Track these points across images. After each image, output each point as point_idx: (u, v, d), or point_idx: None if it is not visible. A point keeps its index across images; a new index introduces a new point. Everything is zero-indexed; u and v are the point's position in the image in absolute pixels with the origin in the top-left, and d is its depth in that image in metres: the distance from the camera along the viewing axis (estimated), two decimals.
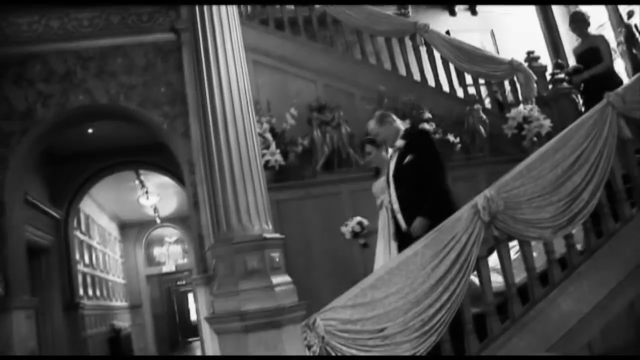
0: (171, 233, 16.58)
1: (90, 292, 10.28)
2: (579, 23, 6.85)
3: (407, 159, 4.57)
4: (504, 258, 4.25)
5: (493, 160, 6.55)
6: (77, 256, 9.54)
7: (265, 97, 6.14)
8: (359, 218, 5.46)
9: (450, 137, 6.43)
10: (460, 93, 7.26)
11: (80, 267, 9.71)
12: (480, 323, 4.24)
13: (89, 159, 9.09)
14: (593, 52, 6.63)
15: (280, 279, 3.08)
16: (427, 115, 6.41)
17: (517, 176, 4.26)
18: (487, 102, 7.68)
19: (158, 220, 14.97)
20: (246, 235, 3.05)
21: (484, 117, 6.69)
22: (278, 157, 5.65)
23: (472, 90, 7.33)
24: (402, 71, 7.22)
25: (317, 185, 5.98)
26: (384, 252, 5.10)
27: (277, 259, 3.10)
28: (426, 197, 4.46)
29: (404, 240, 4.56)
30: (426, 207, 4.42)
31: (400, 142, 4.70)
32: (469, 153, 6.67)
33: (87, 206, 10.93)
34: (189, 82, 6.02)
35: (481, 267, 4.14)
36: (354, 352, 3.54)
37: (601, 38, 6.81)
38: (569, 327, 4.23)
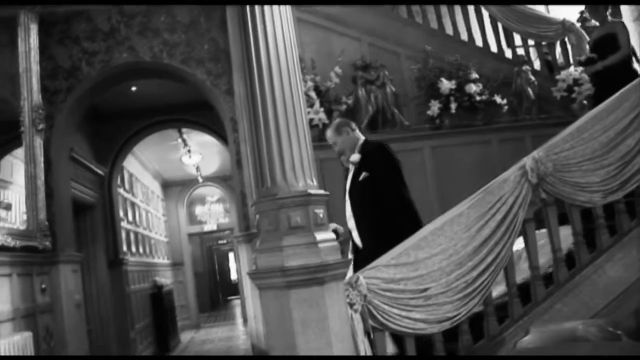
0: (213, 192, 16.72)
1: (133, 249, 10.45)
2: (597, 6, 6.28)
3: (362, 176, 4.30)
4: (551, 223, 4.17)
5: (540, 123, 6.40)
6: (121, 213, 9.68)
7: (309, 56, 6.08)
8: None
9: (497, 99, 6.29)
10: (508, 54, 7.08)
11: (124, 224, 9.86)
12: (524, 289, 4.19)
13: (132, 117, 9.16)
14: (610, 39, 6.04)
15: (324, 236, 3.06)
16: (474, 75, 6.28)
17: (567, 138, 4.15)
18: (536, 64, 7.47)
19: (200, 180, 15.06)
20: (290, 191, 3.02)
21: (533, 78, 6.52)
22: (322, 115, 5.60)
23: (520, 51, 7.15)
24: (449, 30, 7.07)
25: None
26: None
27: (321, 215, 3.08)
28: (378, 216, 4.27)
29: (358, 257, 4.31)
30: (374, 227, 4.26)
31: (355, 157, 4.40)
32: (516, 115, 6.53)
33: (131, 164, 11.05)
34: (233, 39, 5.98)
35: (527, 230, 4.07)
36: (396, 312, 3.53)
37: (621, 25, 6.17)
38: (616, 295, 4.15)
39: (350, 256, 4.47)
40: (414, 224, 4.12)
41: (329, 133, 4.58)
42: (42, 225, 5.65)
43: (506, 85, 6.51)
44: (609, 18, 6.24)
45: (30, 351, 4.69)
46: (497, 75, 6.55)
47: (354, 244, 4.50)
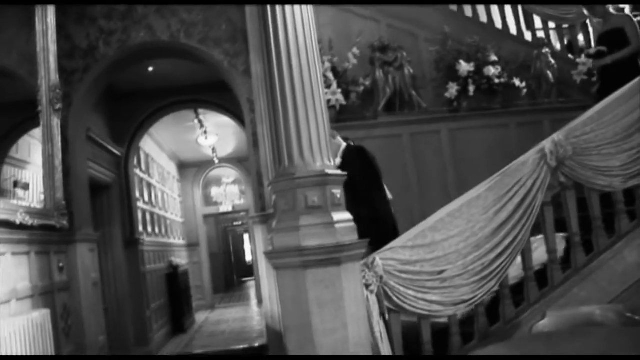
0: (229, 174, 16.74)
1: (149, 229, 10.51)
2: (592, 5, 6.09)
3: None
4: (569, 206, 4.14)
5: (559, 107, 6.33)
6: (137, 194, 9.72)
7: (327, 36, 6.03)
8: None
9: (516, 82, 6.24)
10: (528, 36, 7.00)
11: (140, 204, 9.91)
12: (541, 273, 4.17)
13: (149, 98, 9.16)
14: (617, 33, 5.85)
15: (341, 216, 3.04)
16: (493, 58, 6.22)
17: (588, 121, 4.11)
18: (557, 46, 7.38)
19: (216, 161, 15.07)
20: (308, 170, 3.01)
21: (553, 61, 6.45)
22: (339, 96, 5.58)
23: (540, 33, 7.07)
24: (468, 12, 6.99)
25: (377, 127, 5.91)
26: None
27: (338, 196, 3.06)
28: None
29: None
30: None
31: (337, 161, 4.21)
32: (535, 99, 6.47)
33: (147, 145, 11.08)
34: (250, 19, 5.93)
35: (545, 213, 4.04)
36: (412, 293, 3.52)
37: (627, 18, 5.97)
38: (634, 280, 4.12)
39: None
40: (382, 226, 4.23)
41: None
42: (59, 205, 5.68)
43: (525, 68, 6.45)
44: (612, 11, 6.07)
45: (48, 328, 4.73)
46: (516, 58, 6.49)
47: None
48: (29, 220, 4.90)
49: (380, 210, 4.42)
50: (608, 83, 5.49)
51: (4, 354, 3.87)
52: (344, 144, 4.55)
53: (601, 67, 5.98)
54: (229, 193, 17.11)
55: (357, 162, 4.35)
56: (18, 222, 4.74)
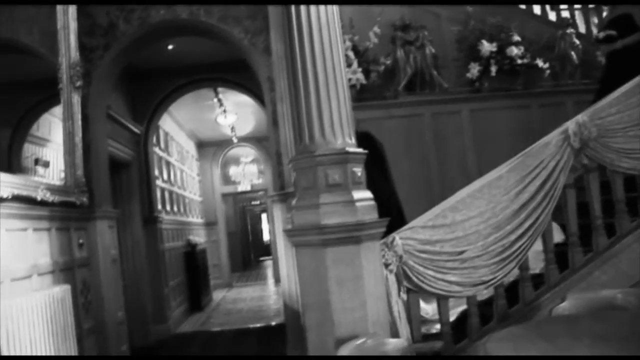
0: (247, 153, 16.75)
1: (168, 207, 10.55)
2: None
3: None
4: (592, 188, 4.09)
5: (583, 89, 6.22)
6: (156, 172, 9.75)
7: (347, 15, 5.96)
8: None
9: (539, 62, 6.15)
10: (552, 16, 6.89)
11: (159, 182, 9.94)
12: (561, 255, 4.14)
13: (169, 76, 9.15)
14: (625, 19, 5.70)
15: (362, 194, 3.03)
16: (516, 38, 6.13)
17: (614, 102, 4.04)
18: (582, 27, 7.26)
19: (235, 140, 15.07)
20: (329, 148, 2.99)
21: (577, 42, 6.35)
22: (360, 75, 5.54)
23: (565, 13, 6.95)
24: None
25: (398, 106, 5.86)
26: None
27: (359, 174, 3.04)
28: None
29: None
30: None
31: None
32: (558, 80, 6.38)
33: (166, 123, 11.09)
34: None
35: (567, 195, 4.00)
36: (431, 273, 3.51)
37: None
38: None
39: None
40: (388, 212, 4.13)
41: None
42: (79, 182, 5.71)
43: (549, 48, 6.36)
44: None
45: (68, 303, 4.77)
46: (540, 38, 6.40)
47: None
48: (49, 197, 4.93)
49: (385, 196, 4.35)
50: (616, 68, 5.36)
51: (26, 328, 3.91)
52: None
53: (610, 52, 5.82)
54: (247, 172, 17.12)
55: (362, 147, 4.23)
56: (39, 198, 4.77)
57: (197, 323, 10.23)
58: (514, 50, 6.05)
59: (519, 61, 6.06)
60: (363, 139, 4.25)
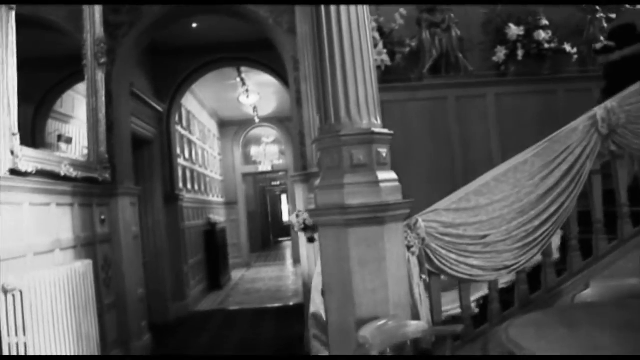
0: (269, 133, 16.74)
1: (189, 186, 10.60)
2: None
3: None
4: (619, 175, 4.04)
5: None
6: (178, 150, 9.78)
7: None
8: None
9: (567, 47, 6.03)
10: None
11: (181, 160, 9.98)
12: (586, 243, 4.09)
13: (192, 55, 9.15)
14: (628, 29, 5.53)
15: (386, 175, 3.01)
16: (544, 22, 6.02)
17: None
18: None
19: (257, 120, 15.08)
20: (354, 128, 2.97)
21: (606, 26, 6.22)
22: (385, 57, 5.48)
23: None
24: None
25: (422, 89, 5.80)
26: None
27: (384, 155, 3.02)
28: None
29: None
30: None
31: None
32: (586, 65, 6.27)
33: (189, 102, 11.11)
34: None
35: (593, 182, 3.95)
36: (453, 257, 3.49)
37: None
38: None
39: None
40: None
41: None
42: (102, 158, 5.75)
43: (577, 33, 6.23)
44: (627, 5, 5.76)
45: (90, 278, 4.82)
46: (568, 22, 6.27)
47: None
48: (72, 172, 4.97)
49: None
50: (615, 81, 5.15)
51: (49, 302, 3.96)
52: None
53: (608, 64, 5.68)
54: (269, 152, 17.14)
55: None
56: (62, 173, 4.81)
57: (216, 302, 10.31)
58: (542, 34, 5.94)
59: (547, 45, 5.95)
60: None
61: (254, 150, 17.07)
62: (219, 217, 12.97)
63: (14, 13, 4.06)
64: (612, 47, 5.65)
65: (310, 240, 5.22)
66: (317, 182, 3.16)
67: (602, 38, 5.99)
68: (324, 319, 4.76)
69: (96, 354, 4.75)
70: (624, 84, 4.15)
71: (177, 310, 8.68)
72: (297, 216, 5.42)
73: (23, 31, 4.14)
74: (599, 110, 3.85)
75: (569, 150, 3.77)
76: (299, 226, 5.34)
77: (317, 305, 4.94)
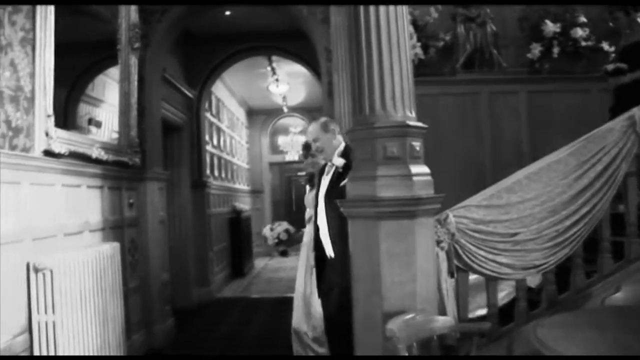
0: (296, 123, 16.71)
1: (216, 173, 10.64)
2: (615, 14, 5.56)
3: (345, 181, 3.59)
4: None
5: None
6: (207, 137, 9.82)
7: None
8: (286, 225, 5.19)
9: (604, 46, 5.93)
10: None
11: (209, 147, 10.02)
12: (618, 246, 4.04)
13: (224, 42, 9.15)
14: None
15: (419, 169, 2.99)
16: (582, 19, 5.94)
17: None
18: None
19: (285, 110, 15.11)
20: (389, 120, 2.95)
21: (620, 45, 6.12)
22: (418, 50, 5.45)
23: None
24: None
25: (455, 84, 5.75)
26: (306, 268, 4.83)
27: (418, 148, 3.00)
28: None
29: (326, 269, 4.06)
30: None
31: (340, 161, 3.97)
32: None
33: (219, 90, 11.14)
34: None
35: (628, 184, 3.89)
36: (482, 254, 3.47)
37: None
38: None
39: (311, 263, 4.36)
40: None
41: (314, 127, 4.20)
42: (132, 142, 5.79)
43: (616, 32, 6.13)
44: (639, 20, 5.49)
45: (117, 260, 4.86)
46: (607, 21, 6.16)
47: (319, 255, 4.14)
48: (103, 155, 5.02)
49: None
50: (624, 104, 4.96)
51: (77, 282, 4.00)
52: (343, 143, 4.13)
53: (618, 86, 5.41)
54: (296, 142, 17.08)
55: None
56: (94, 156, 4.85)
57: (238, 289, 10.35)
58: (579, 32, 5.86)
59: (583, 43, 5.87)
60: None
61: (281, 140, 17.04)
62: (244, 205, 13.01)
63: None
64: (624, 69, 5.31)
65: (284, 254, 5.15)
66: (349, 173, 3.15)
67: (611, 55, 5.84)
68: (308, 335, 4.72)
69: (121, 335, 4.80)
70: (633, 105, 4.00)
71: (199, 295, 8.73)
72: (272, 229, 5.35)
73: (59, 16, 4.18)
74: (637, 111, 3.80)
75: (604, 150, 3.73)
76: (273, 240, 5.28)
77: (298, 319, 4.89)
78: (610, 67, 5.45)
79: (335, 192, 3.84)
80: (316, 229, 4.16)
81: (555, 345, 2.36)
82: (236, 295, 9.70)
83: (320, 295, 4.22)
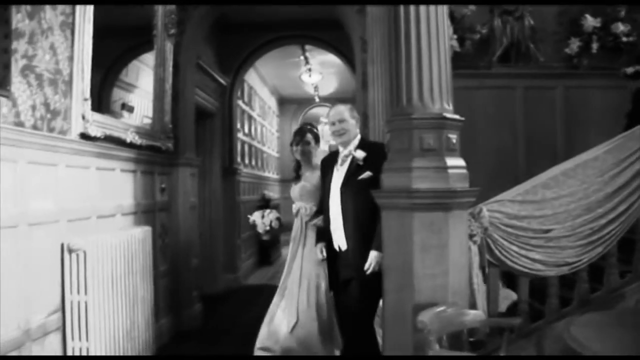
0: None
1: (246, 161, 10.67)
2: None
3: (365, 174, 3.67)
4: None
5: None
6: (238, 125, 9.85)
7: None
8: (276, 213, 5.10)
9: None
10: None
11: (240, 135, 10.05)
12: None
13: (258, 31, 9.14)
14: None
15: (455, 162, 2.97)
16: (623, 13, 5.82)
17: None
18: None
19: (317, 99, 15.09)
20: (426, 112, 2.94)
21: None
22: (454, 42, 5.40)
23: None
24: None
25: (491, 77, 5.69)
26: (296, 262, 4.67)
27: (454, 141, 2.98)
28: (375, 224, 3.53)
29: (339, 260, 3.94)
30: (377, 239, 3.46)
31: (360, 154, 3.76)
32: None
33: (251, 78, 11.16)
34: None
35: None
36: (515, 249, 3.44)
37: None
38: None
39: (320, 256, 4.22)
40: None
41: (342, 108, 3.98)
42: (166, 128, 5.83)
43: None
44: None
45: (148, 244, 4.92)
46: None
47: (330, 245, 4.04)
48: (137, 140, 5.06)
49: None
50: None
51: (109, 264, 4.06)
52: (359, 135, 4.00)
53: (637, 89, 5.42)
54: (326, 133, 17.06)
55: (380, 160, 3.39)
56: (128, 140, 4.90)
57: (265, 277, 10.39)
58: (620, 27, 5.74)
59: (624, 39, 5.76)
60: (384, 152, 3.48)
61: None
62: (273, 193, 13.04)
63: None
64: None
65: (269, 241, 4.96)
66: (385, 163, 3.14)
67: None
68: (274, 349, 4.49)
69: (150, 318, 4.86)
70: None
71: (227, 282, 8.78)
72: (263, 217, 5.27)
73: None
74: None
75: None
76: (264, 228, 5.19)
77: (262, 338, 4.59)
78: (629, 70, 5.45)
79: (352, 185, 3.77)
80: (326, 221, 4.06)
81: (591, 344, 2.33)
82: (263, 283, 9.73)
83: (332, 288, 4.12)
